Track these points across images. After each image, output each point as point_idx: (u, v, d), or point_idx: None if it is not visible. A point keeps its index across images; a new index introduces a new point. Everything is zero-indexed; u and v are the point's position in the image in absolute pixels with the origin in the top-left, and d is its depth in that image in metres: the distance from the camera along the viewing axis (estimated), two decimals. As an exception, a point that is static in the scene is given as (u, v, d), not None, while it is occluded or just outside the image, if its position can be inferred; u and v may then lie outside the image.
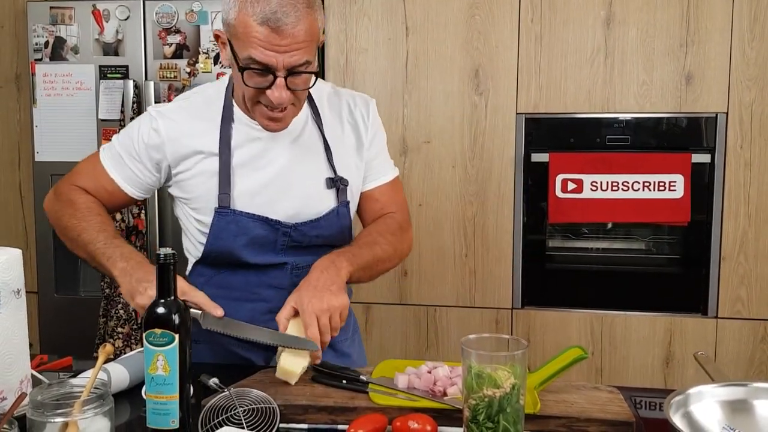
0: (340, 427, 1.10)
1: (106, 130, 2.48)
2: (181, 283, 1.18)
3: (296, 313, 1.24)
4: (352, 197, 1.44)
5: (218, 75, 2.45)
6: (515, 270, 2.46)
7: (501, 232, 2.45)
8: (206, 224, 1.34)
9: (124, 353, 2.56)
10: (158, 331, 0.97)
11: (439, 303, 2.51)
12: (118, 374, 1.22)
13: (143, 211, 2.52)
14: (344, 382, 1.18)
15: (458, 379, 1.16)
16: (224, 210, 1.32)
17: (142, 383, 1.23)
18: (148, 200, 2.52)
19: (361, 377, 1.21)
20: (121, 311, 2.51)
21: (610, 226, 2.50)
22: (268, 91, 1.22)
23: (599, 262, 2.51)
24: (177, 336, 0.97)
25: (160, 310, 0.98)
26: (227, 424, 1.04)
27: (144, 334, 0.98)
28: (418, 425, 1.05)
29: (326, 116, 1.41)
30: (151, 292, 1.16)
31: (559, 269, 2.51)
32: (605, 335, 2.44)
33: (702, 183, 2.35)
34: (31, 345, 1.54)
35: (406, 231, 1.49)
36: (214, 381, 1.21)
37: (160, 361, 0.97)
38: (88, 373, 1.17)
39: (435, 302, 2.51)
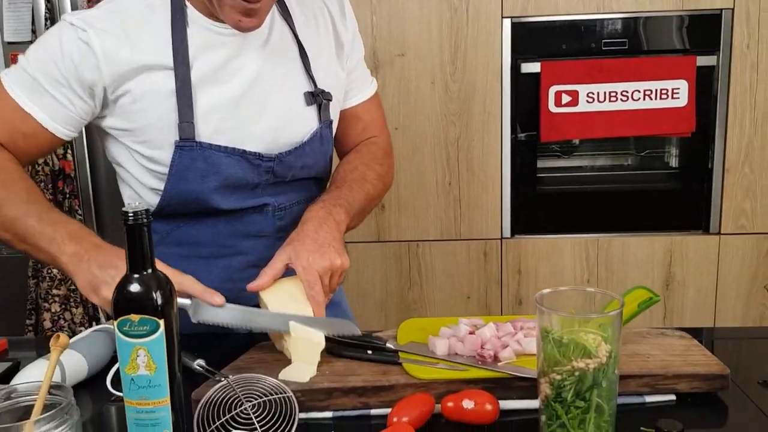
0: (374, 411, 0.90)
1: (16, 54, 2.10)
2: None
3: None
4: (334, 115, 1.22)
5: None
6: (504, 196, 2.28)
7: (488, 155, 2.25)
8: (159, 162, 1.09)
9: (64, 318, 2.30)
10: (135, 317, 0.73)
11: (422, 238, 2.32)
12: (73, 365, 0.98)
13: (70, 151, 2.19)
14: (370, 353, 0.98)
15: (509, 339, 0.97)
16: (188, 143, 1.06)
17: (103, 370, 1.02)
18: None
19: (388, 345, 1.00)
20: (55, 269, 2.21)
21: (605, 141, 2.34)
22: None
23: (594, 182, 2.36)
24: (162, 322, 0.74)
25: (135, 288, 0.74)
26: (234, 426, 0.83)
27: (116, 324, 0.74)
28: (476, 404, 0.86)
29: (295, 11, 1.16)
30: None
31: (551, 192, 2.35)
32: (601, 260, 2.32)
33: (706, 90, 2.19)
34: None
35: (390, 156, 1.31)
36: (200, 364, 0.98)
37: (142, 358, 0.73)
38: (34, 370, 0.93)
39: (417, 237, 2.32)
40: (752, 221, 2.25)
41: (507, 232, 2.31)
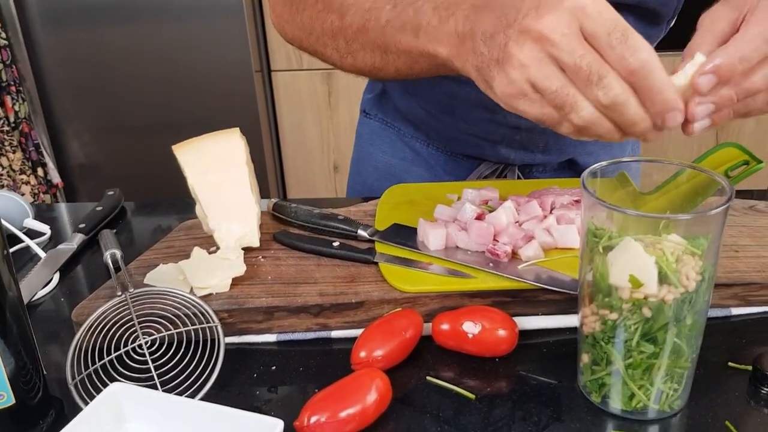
0: (335, 333, 0.66)
1: None
2: None
3: None
4: None
5: None
6: None
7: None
8: None
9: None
10: None
11: None
12: None
13: None
14: (336, 245, 0.72)
15: (534, 226, 0.71)
16: None
17: None
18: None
19: (360, 232, 0.74)
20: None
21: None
22: None
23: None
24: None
25: None
26: (130, 361, 0.59)
27: None
28: (483, 329, 0.61)
29: None
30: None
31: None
32: None
33: None
34: None
35: None
36: (113, 255, 0.74)
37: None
38: None
39: None
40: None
41: None
